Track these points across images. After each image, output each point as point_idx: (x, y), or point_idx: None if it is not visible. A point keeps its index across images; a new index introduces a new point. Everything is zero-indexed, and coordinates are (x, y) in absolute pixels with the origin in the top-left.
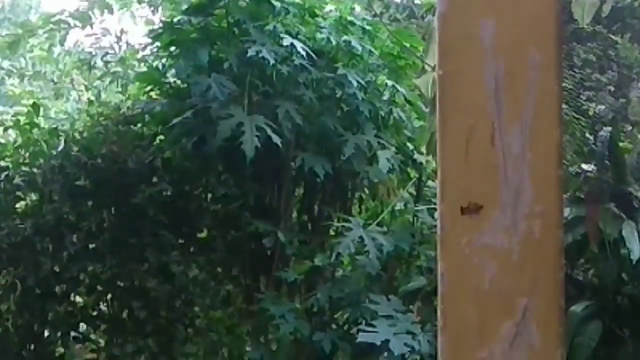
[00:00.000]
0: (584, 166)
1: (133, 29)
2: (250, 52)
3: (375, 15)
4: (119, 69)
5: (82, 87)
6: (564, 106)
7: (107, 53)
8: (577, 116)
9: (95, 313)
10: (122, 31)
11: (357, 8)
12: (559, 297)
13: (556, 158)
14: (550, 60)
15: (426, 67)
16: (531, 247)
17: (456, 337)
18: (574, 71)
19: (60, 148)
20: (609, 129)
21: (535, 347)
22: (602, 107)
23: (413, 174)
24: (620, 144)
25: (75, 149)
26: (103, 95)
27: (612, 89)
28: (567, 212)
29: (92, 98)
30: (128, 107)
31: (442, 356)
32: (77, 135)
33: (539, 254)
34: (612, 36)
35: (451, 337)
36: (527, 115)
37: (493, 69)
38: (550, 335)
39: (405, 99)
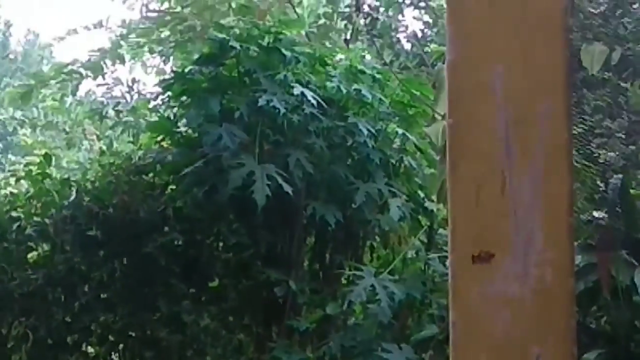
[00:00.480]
0: (595, 214)
1: (145, 78)
2: (261, 102)
3: (385, 64)
4: (130, 118)
5: (94, 137)
6: (574, 153)
7: (118, 103)
8: (587, 163)
9: None
10: (133, 81)
11: (368, 56)
12: (571, 345)
13: (567, 206)
14: (559, 109)
15: (436, 115)
16: (543, 295)
17: None
18: (584, 118)
19: (72, 198)
20: (620, 176)
21: None
22: (613, 154)
23: (424, 221)
24: (632, 191)
25: (87, 199)
26: (115, 145)
27: (623, 135)
28: (578, 259)
29: (104, 147)
30: (139, 157)
31: None
32: (88, 185)
33: (551, 302)
34: (621, 83)
35: None
36: (538, 163)
37: (503, 118)
38: None
39: (416, 146)
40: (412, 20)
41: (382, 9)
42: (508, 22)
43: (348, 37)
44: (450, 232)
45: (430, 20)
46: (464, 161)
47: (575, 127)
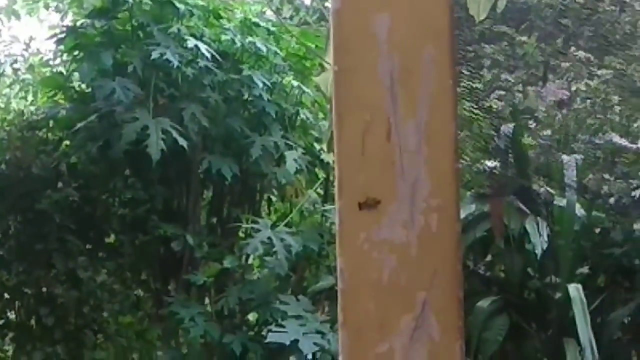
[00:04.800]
0: (488, 163)
1: (42, 35)
2: (154, 55)
3: (284, 19)
4: (28, 76)
5: None
6: (472, 106)
7: (15, 60)
8: (482, 114)
9: (2, 321)
10: (30, 38)
11: (269, 12)
12: (457, 290)
13: (452, 152)
14: (444, 55)
15: (325, 65)
16: (429, 241)
17: (356, 332)
18: (473, 71)
19: None
20: (511, 125)
21: (435, 340)
22: (502, 103)
23: (321, 174)
24: (524, 141)
25: None
26: (13, 103)
27: (520, 88)
28: (472, 208)
29: (2, 106)
30: (32, 113)
31: (343, 351)
32: None
33: (437, 248)
34: (519, 37)
35: (351, 333)
36: (423, 110)
37: (388, 65)
38: (449, 328)
39: (314, 99)
40: None
41: None
42: None
43: None
44: (337, 180)
45: None
46: (350, 109)
47: (473, 81)
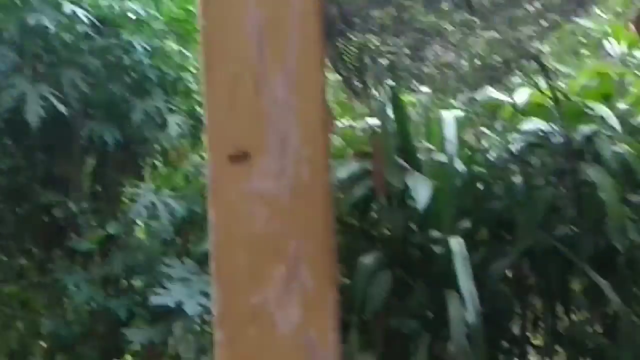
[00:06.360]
0: (370, 121)
1: None
2: (31, 21)
3: None
4: None
5: None
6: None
7: None
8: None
9: None
10: None
11: None
12: (329, 240)
13: (321, 102)
14: (311, 6)
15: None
16: (300, 192)
17: (230, 284)
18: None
19: None
20: (393, 83)
21: (309, 290)
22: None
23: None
24: (404, 98)
25: None
26: None
27: (408, 52)
28: (354, 167)
29: None
30: None
31: (217, 304)
32: None
33: (309, 198)
34: (406, 2)
35: (225, 285)
36: (290, 61)
37: (256, 17)
38: (322, 277)
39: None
40: None
41: None
42: None
43: None
44: (207, 134)
45: None
46: (217, 62)
47: (362, 45)
